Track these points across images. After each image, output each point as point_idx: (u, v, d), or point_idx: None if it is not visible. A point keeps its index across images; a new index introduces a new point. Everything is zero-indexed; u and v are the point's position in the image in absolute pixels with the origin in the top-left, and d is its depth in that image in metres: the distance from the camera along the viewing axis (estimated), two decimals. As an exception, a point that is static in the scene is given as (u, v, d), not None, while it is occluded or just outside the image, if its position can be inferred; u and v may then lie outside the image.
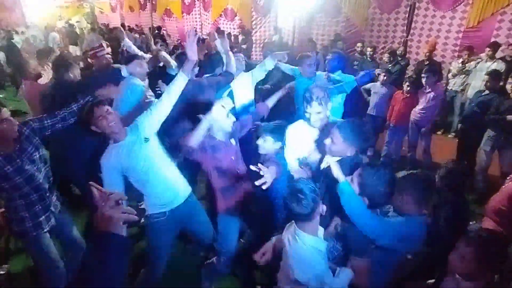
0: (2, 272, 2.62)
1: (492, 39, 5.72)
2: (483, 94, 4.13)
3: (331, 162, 1.72)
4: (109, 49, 3.77)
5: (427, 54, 5.77)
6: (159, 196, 2.07)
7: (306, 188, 1.49)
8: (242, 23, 10.06)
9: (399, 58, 5.86)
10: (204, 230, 2.33)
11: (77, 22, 13.16)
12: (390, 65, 5.75)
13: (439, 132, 5.68)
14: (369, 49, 6.11)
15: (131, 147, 1.94)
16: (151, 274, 2.18)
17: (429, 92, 4.18)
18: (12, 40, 8.58)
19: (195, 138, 1.94)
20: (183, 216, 2.16)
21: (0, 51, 8.49)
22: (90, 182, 1.55)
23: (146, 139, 1.99)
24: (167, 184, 2.09)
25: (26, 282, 2.59)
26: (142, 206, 2.37)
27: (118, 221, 0.93)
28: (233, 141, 2.22)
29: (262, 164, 1.80)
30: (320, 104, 2.06)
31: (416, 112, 4.29)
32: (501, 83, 4.05)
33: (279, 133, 2.25)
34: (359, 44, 6.72)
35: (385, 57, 5.93)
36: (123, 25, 11.16)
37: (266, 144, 2.24)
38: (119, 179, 1.95)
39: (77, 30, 11.84)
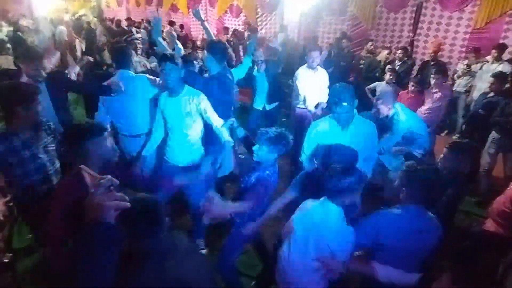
0: (6, 260, 2.66)
1: (501, 41, 5.67)
2: (488, 96, 4.10)
3: None
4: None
5: (432, 54, 5.73)
6: (168, 147, 2.69)
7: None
8: (247, 20, 10.03)
9: (405, 58, 5.82)
10: (193, 197, 2.67)
11: (84, 15, 13.17)
12: (399, 63, 5.73)
13: (443, 134, 5.65)
14: (385, 52, 6.06)
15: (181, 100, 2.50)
16: None
17: (436, 92, 4.16)
18: (18, 33, 8.60)
19: None
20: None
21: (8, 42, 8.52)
22: (82, 166, 1.47)
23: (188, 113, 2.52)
24: (176, 146, 2.64)
25: (29, 269, 2.62)
26: None
27: (108, 208, 0.87)
28: None
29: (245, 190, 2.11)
30: (349, 104, 2.22)
31: (421, 112, 4.26)
32: (507, 85, 4.02)
33: (276, 145, 2.05)
34: (370, 43, 6.71)
35: (398, 53, 5.88)
36: (129, 19, 11.16)
37: (260, 153, 2.08)
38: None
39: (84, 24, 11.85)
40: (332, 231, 1.68)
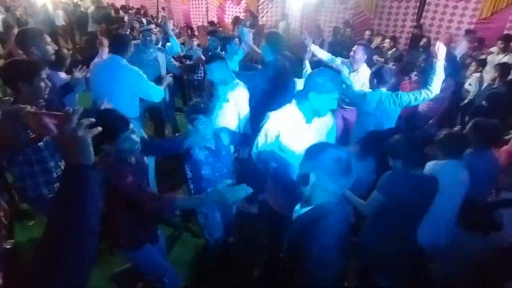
0: (8, 247, 2.65)
1: (505, 32, 5.60)
2: (492, 87, 4.07)
3: None
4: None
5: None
6: None
7: None
8: (248, 7, 9.87)
9: (395, 48, 5.86)
10: None
11: (81, 1, 12.91)
12: (390, 52, 5.74)
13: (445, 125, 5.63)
14: (379, 39, 6.03)
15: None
16: None
17: (439, 83, 4.11)
18: (17, 17, 8.45)
19: None
20: None
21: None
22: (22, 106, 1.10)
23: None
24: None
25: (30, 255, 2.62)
26: None
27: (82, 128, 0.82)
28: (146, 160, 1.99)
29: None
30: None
31: (424, 103, 4.23)
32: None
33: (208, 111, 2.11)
34: (367, 32, 6.65)
35: (386, 42, 5.89)
36: (124, 6, 10.96)
37: (203, 126, 2.09)
38: None
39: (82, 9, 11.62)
40: None
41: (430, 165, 2.22)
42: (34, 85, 1.90)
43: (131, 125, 1.67)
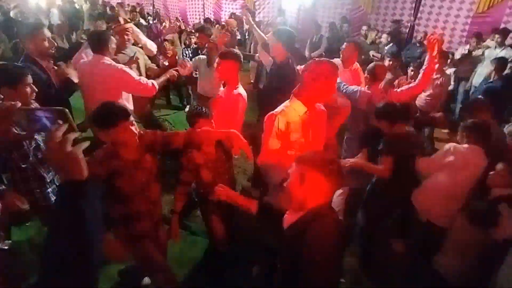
0: (5, 248, 2.65)
1: (502, 26, 5.59)
2: (489, 81, 4.07)
3: None
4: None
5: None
6: None
7: None
8: (245, 3, 9.81)
9: (391, 43, 5.87)
10: None
11: (76, -2, 12.79)
12: (387, 47, 5.74)
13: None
14: (373, 34, 6.03)
15: None
16: None
17: (437, 78, 4.11)
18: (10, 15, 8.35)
19: None
20: None
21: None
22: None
23: None
24: None
25: (27, 255, 2.63)
26: None
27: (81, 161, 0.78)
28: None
29: None
30: None
31: (422, 98, 4.23)
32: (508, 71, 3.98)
33: None
34: (364, 27, 6.64)
35: (383, 38, 5.87)
36: (120, 4, 10.85)
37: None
38: None
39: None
40: None
41: (451, 146, 2.29)
42: (18, 91, 1.91)
43: (131, 118, 1.63)
